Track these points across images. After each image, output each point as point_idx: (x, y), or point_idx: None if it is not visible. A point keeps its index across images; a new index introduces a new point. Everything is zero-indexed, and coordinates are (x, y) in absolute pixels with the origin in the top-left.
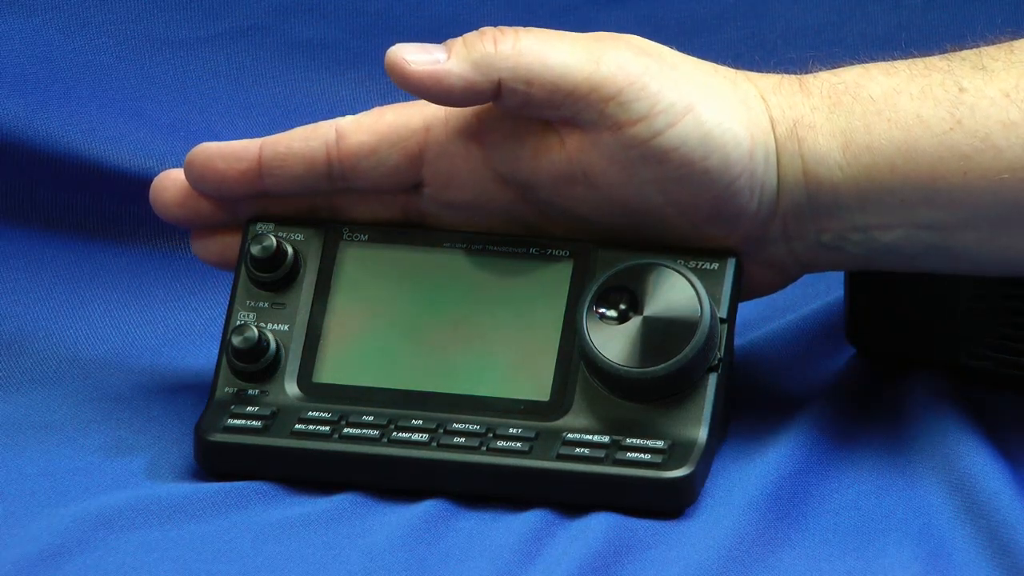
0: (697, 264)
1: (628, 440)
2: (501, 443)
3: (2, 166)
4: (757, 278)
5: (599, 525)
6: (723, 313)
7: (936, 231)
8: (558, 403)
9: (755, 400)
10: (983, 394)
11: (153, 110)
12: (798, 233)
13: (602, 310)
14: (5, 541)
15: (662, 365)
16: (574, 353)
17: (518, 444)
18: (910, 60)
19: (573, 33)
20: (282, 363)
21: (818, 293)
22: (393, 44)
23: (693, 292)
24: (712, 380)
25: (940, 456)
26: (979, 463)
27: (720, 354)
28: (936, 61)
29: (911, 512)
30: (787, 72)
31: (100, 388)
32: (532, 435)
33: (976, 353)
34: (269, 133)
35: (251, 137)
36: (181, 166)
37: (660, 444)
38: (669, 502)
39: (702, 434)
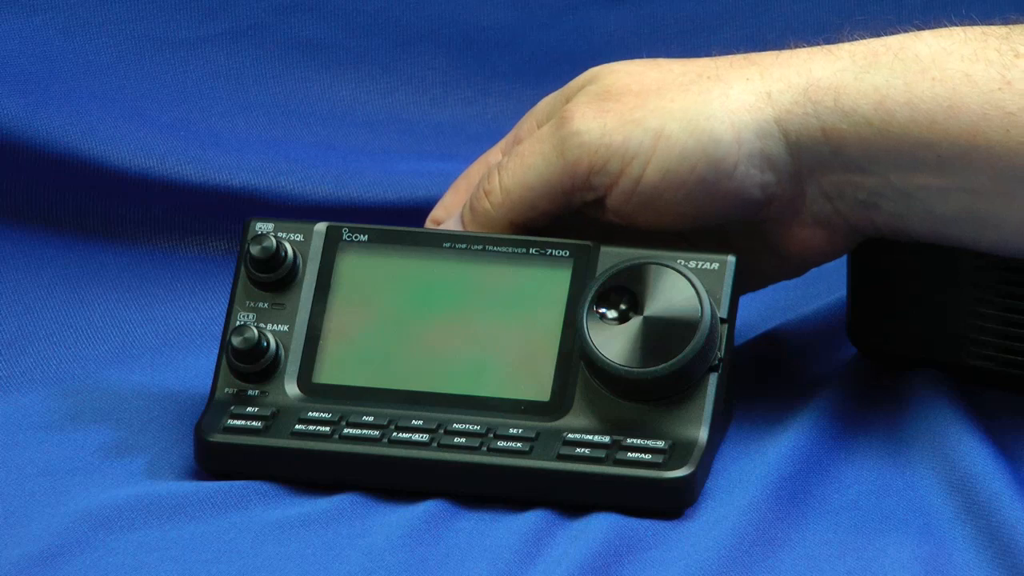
0: (697, 264)
1: (629, 440)
2: (501, 443)
3: (2, 166)
4: (816, 241)
5: (599, 526)
6: (723, 313)
7: (970, 194)
8: (558, 403)
9: (756, 400)
10: (984, 394)
11: (153, 110)
12: (837, 192)
13: (602, 310)
14: (5, 541)
15: (662, 365)
16: (574, 353)
17: (518, 444)
18: (968, 26)
19: (541, 129)
20: (282, 363)
21: (819, 293)
22: (393, 44)
23: (693, 292)
24: (712, 380)
25: (941, 456)
26: (980, 463)
27: (720, 354)
28: (996, 28)
29: (911, 512)
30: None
31: (100, 388)
32: (532, 435)
33: (978, 353)
34: (269, 132)
35: (251, 136)
36: (181, 165)
37: (661, 444)
38: (670, 502)
39: (702, 434)
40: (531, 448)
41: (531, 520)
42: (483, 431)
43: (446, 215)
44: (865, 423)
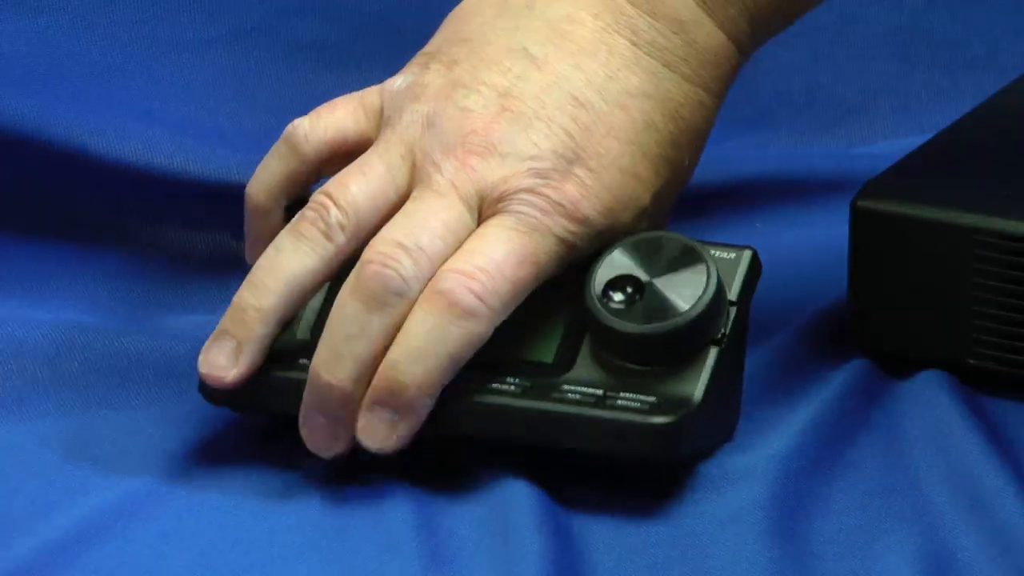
0: (713, 252)
1: (622, 393)
2: (495, 385)
3: (10, 166)
4: None
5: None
6: (732, 296)
7: None
8: (560, 365)
9: (757, 399)
10: (988, 394)
11: (160, 110)
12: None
13: (611, 274)
14: (24, 529)
15: (659, 323)
16: (583, 321)
17: (512, 387)
18: None
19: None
20: (300, 315)
21: (820, 293)
22: (397, 44)
23: (702, 261)
24: (714, 352)
25: (943, 455)
26: (982, 463)
27: (725, 331)
28: None
29: (915, 512)
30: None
31: (110, 385)
32: (528, 384)
33: (981, 353)
34: (275, 132)
35: (257, 136)
36: (188, 164)
37: (652, 399)
38: (653, 449)
39: (696, 393)
40: (523, 391)
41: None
42: (468, 374)
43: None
44: (866, 422)
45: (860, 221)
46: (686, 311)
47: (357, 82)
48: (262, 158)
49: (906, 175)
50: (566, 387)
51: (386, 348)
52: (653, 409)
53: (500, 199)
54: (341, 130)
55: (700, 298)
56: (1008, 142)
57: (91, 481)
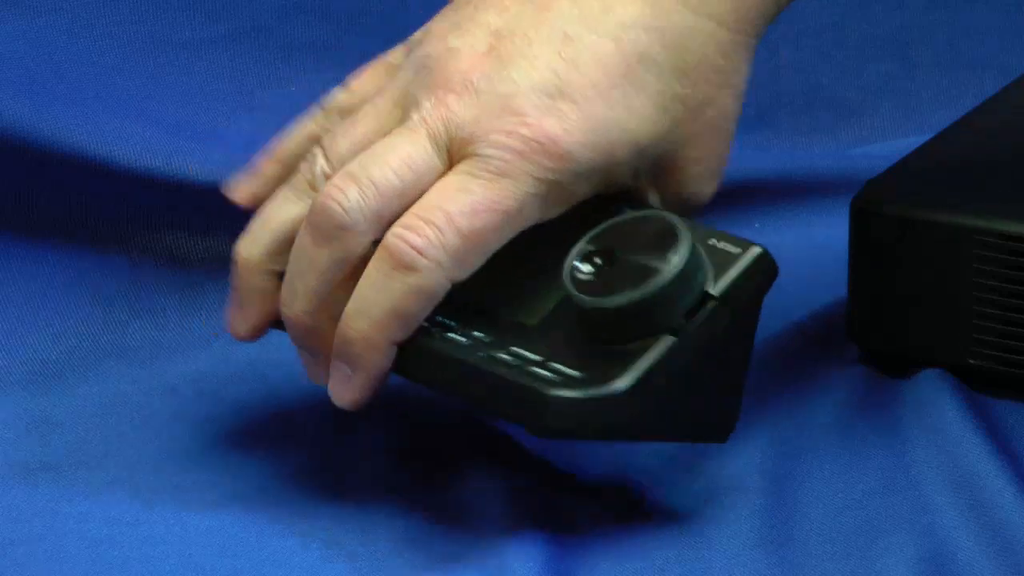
0: (716, 242)
1: (553, 364)
2: (452, 336)
3: (7, 167)
4: None
5: None
6: (716, 291)
7: None
8: (539, 329)
9: (756, 400)
10: (988, 394)
11: (158, 110)
12: None
13: (592, 247)
14: (8, 538)
15: (602, 299)
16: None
17: (466, 341)
18: None
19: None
20: None
21: (820, 293)
22: (396, 45)
23: (680, 245)
24: (666, 341)
25: (943, 455)
26: (982, 462)
27: (687, 323)
28: None
29: (915, 511)
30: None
31: (101, 387)
32: (487, 340)
33: (981, 353)
34: (274, 133)
35: (255, 136)
36: (186, 165)
37: (576, 374)
38: (530, 417)
39: (620, 383)
40: (472, 345)
41: None
42: (450, 323)
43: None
44: (867, 423)
45: (860, 221)
46: (638, 290)
47: None
48: (262, 158)
49: (906, 175)
50: (513, 349)
51: (345, 283)
52: (557, 382)
53: (470, 141)
54: (364, 96)
55: (653, 281)
56: (1008, 142)
57: (75, 486)
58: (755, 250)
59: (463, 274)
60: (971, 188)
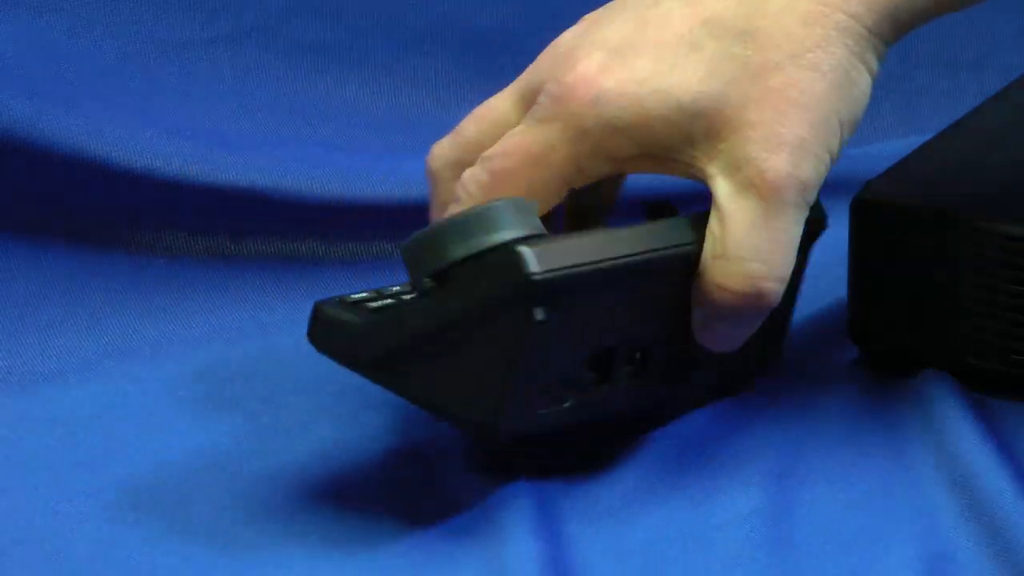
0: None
1: (405, 297)
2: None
3: (8, 168)
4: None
5: None
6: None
7: None
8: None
9: (757, 398)
10: (988, 394)
11: (159, 111)
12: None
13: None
14: (8, 538)
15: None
16: None
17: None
18: None
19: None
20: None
21: (820, 293)
22: (397, 45)
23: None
24: (408, 297)
25: (943, 455)
26: (982, 462)
27: (431, 284)
28: None
29: (914, 511)
30: None
31: (101, 388)
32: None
33: (981, 353)
34: (275, 133)
35: (256, 137)
36: (187, 166)
37: (355, 312)
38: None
39: (355, 318)
40: (420, 295)
41: None
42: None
43: None
44: (867, 423)
45: (860, 221)
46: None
47: (357, 82)
48: (261, 158)
49: (906, 175)
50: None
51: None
52: (333, 303)
53: (537, 90)
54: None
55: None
56: (1008, 142)
57: (75, 487)
58: (511, 253)
59: None
60: (971, 188)
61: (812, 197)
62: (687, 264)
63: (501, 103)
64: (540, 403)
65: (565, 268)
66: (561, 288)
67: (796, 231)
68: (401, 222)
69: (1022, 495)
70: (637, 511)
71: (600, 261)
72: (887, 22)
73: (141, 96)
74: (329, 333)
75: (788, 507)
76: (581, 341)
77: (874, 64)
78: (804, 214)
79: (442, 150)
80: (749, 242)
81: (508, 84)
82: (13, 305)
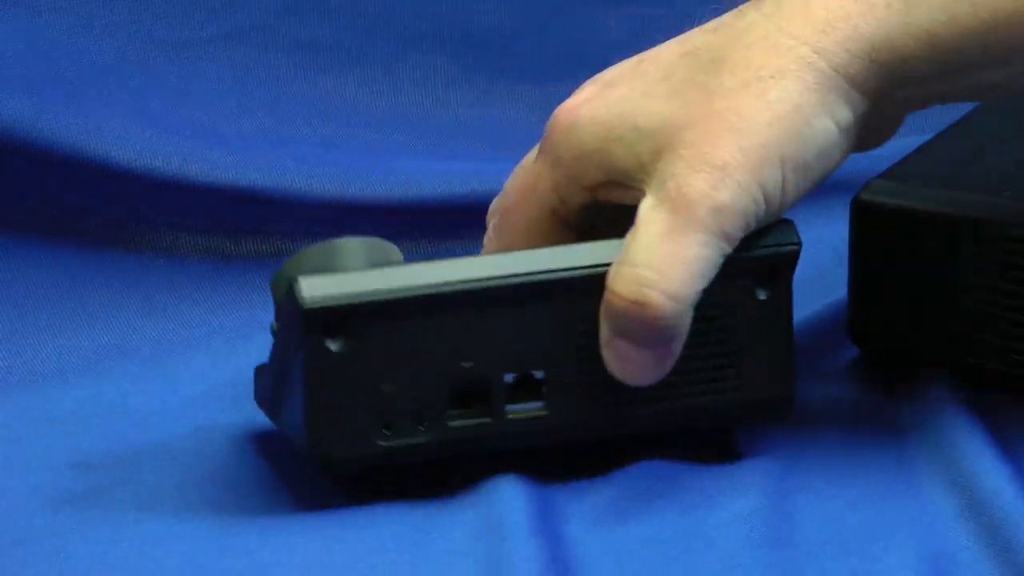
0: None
1: None
2: None
3: (7, 167)
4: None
5: None
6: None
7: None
8: None
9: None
10: (988, 394)
11: (158, 110)
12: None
13: None
14: (8, 538)
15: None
16: None
17: None
18: None
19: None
20: None
21: (820, 293)
22: (396, 44)
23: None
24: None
25: (943, 455)
26: (982, 462)
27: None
28: None
29: (915, 512)
30: None
31: (101, 388)
32: None
33: (981, 353)
34: (274, 133)
35: (256, 136)
36: (186, 165)
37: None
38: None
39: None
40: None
41: None
42: None
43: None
44: (866, 423)
45: (860, 220)
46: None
47: (356, 81)
48: (260, 158)
49: (906, 175)
50: None
51: None
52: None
53: None
54: None
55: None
56: (1008, 142)
57: (75, 487)
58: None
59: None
60: (971, 188)
61: (730, 226)
62: (595, 286)
63: (532, 153)
64: (378, 435)
65: (346, 298)
66: (349, 316)
67: (703, 253)
68: (401, 222)
69: (1022, 495)
70: (637, 511)
71: (404, 290)
72: (862, 64)
73: (140, 95)
74: (256, 384)
75: (788, 507)
76: (418, 371)
77: (840, 111)
78: (718, 241)
79: (492, 204)
80: (647, 251)
81: (508, 84)
82: (13, 305)
